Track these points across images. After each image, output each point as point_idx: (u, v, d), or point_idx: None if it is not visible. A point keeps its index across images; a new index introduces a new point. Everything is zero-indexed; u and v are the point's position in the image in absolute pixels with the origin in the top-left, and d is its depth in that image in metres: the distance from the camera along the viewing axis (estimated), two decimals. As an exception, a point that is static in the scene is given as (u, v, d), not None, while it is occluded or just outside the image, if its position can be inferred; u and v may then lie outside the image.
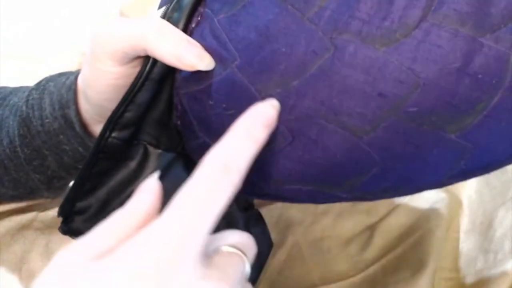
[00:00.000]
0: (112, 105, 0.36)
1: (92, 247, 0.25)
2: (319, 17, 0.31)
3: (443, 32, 0.29)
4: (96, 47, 0.34)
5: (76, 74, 0.40)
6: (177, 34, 0.33)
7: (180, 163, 0.39)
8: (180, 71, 0.35)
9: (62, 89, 0.39)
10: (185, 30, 0.35)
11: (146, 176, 0.38)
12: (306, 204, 0.53)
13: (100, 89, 0.36)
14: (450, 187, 0.54)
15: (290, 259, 0.52)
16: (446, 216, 0.53)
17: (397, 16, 0.30)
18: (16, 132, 0.40)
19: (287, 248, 0.53)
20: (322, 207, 0.54)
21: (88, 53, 0.35)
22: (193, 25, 0.35)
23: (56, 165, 0.40)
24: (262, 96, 0.33)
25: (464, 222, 0.54)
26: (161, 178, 0.38)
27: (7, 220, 0.49)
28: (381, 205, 0.54)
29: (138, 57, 0.35)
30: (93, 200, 0.38)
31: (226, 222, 0.43)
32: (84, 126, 0.39)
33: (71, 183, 0.38)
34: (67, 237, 0.40)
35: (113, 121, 0.36)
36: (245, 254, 0.28)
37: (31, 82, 0.42)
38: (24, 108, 0.39)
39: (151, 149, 0.39)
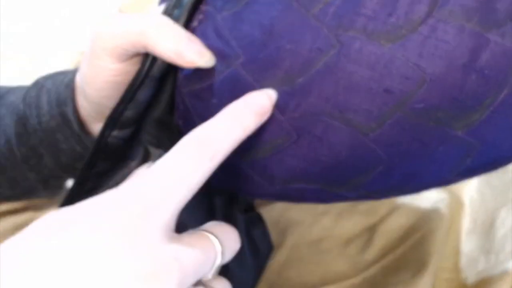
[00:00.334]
0: (110, 103, 0.36)
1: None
2: (324, 14, 0.31)
3: (449, 28, 0.29)
4: (95, 43, 0.34)
5: (74, 72, 0.40)
6: (177, 30, 0.33)
7: None
8: (182, 69, 0.35)
9: (60, 87, 0.39)
10: (186, 27, 0.34)
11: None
12: (306, 205, 0.53)
13: (99, 86, 0.35)
14: (451, 187, 0.54)
15: (290, 260, 0.52)
16: (447, 216, 0.53)
17: (402, 12, 0.30)
18: (13, 130, 0.39)
19: (287, 248, 0.52)
20: (322, 207, 0.54)
21: (87, 50, 0.35)
22: (195, 23, 0.35)
23: (53, 164, 0.40)
24: None
25: (465, 222, 0.54)
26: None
27: (3, 221, 0.49)
28: (381, 205, 0.54)
29: (138, 54, 0.35)
30: None
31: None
32: (81, 124, 0.39)
33: (71, 183, 0.38)
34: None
35: (113, 119, 0.35)
36: (221, 245, 0.28)
37: (30, 82, 0.42)
38: (21, 106, 0.39)
39: (152, 149, 0.38)
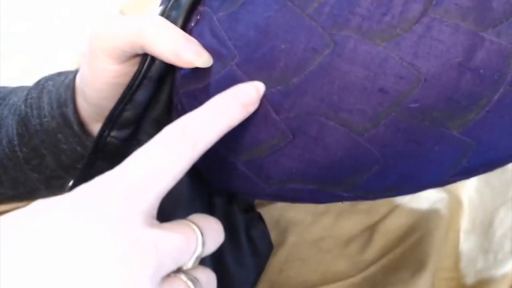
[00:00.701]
0: (110, 103, 0.36)
1: None
2: (319, 13, 0.31)
3: (444, 27, 0.29)
4: (94, 45, 0.34)
5: (74, 73, 0.40)
6: (174, 31, 0.33)
7: None
8: (180, 70, 0.35)
9: (61, 88, 0.39)
10: (184, 28, 0.35)
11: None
12: (306, 205, 0.53)
13: (98, 87, 0.36)
14: (450, 187, 0.54)
15: (290, 259, 0.52)
16: (446, 216, 0.53)
17: (397, 11, 0.30)
18: (15, 131, 0.40)
19: (287, 248, 0.52)
20: (322, 207, 0.54)
21: (86, 51, 0.35)
22: (192, 24, 0.35)
23: (55, 164, 0.40)
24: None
25: (464, 222, 0.54)
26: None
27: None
28: (381, 205, 0.54)
29: (136, 55, 0.35)
30: None
31: (226, 223, 0.43)
32: (82, 125, 0.39)
33: (71, 183, 0.38)
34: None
35: (112, 120, 0.35)
36: (203, 235, 0.28)
37: (31, 82, 0.42)
38: (23, 107, 0.39)
39: None
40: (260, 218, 0.47)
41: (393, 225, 0.53)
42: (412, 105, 0.30)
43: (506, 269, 0.50)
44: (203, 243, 0.28)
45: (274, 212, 0.53)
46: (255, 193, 0.36)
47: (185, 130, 0.29)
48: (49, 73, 0.42)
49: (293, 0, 0.31)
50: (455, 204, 0.54)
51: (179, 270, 0.28)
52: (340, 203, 0.52)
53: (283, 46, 0.31)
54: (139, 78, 0.34)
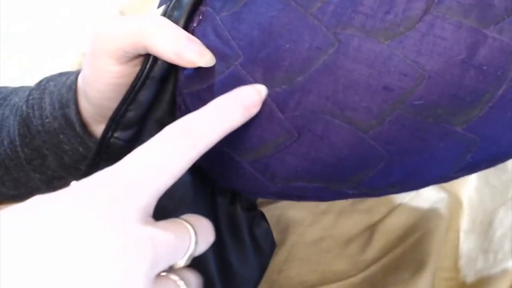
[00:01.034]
0: (112, 104, 0.36)
1: None
2: (323, 13, 0.31)
3: (447, 24, 0.29)
4: (96, 45, 0.34)
5: (76, 73, 0.40)
6: (177, 31, 0.33)
7: None
8: (183, 70, 0.35)
9: (63, 88, 0.39)
10: (186, 28, 0.35)
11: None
12: (306, 204, 0.53)
13: (101, 88, 0.36)
14: (450, 187, 0.55)
15: (290, 259, 0.52)
16: (446, 216, 0.53)
17: (400, 9, 0.30)
18: (16, 132, 0.40)
19: (287, 248, 0.52)
20: (322, 207, 0.54)
21: (88, 52, 0.35)
22: (194, 24, 0.35)
23: (56, 165, 0.40)
24: (267, 93, 0.33)
25: (464, 222, 0.54)
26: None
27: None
28: (381, 205, 0.54)
29: (139, 55, 0.35)
30: None
31: (229, 222, 0.43)
32: (84, 125, 0.39)
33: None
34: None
35: (116, 120, 0.35)
36: (196, 235, 0.29)
37: (31, 82, 0.42)
38: (24, 108, 0.39)
39: None
40: (263, 216, 0.47)
41: (393, 225, 0.53)
42: (417, 102, 0.30)
43: (506, 269, 0.50)
44: (196, 243, 0.28)
45: (274, 212, 0.53)
46: (260, 192, 0.36)
47: (186, 130, 0.29)
48: (50, 73, 0.42)
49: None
50: (455, 204, 0.54)
51: (170, 270, 0.28)
52: (340, 202, 0.53)
53: (287, 46, 0.32)
54: (142, 78, 0.35)
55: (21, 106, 0.40)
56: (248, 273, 0.45)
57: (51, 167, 0.40)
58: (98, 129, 0.39)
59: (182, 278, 0.28)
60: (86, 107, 0.38)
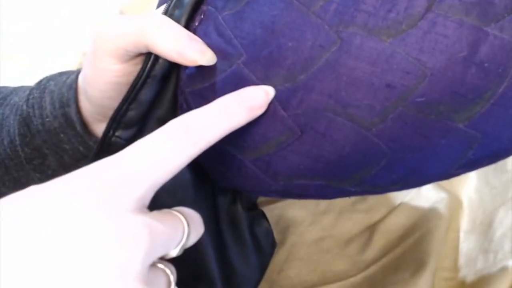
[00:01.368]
0: (113, 103, 0.36)
1: None
2: (325, 11, 0.31)
3: (448, 22, 0.30)
4: (96, 45, 0.34)
5: (77, 73, 0.40)
6: (178, 29, 0.33)
7: None
8: (185, 69, 0.35)
9: (63, 88, 0.39)
10: (187, 27, 0.35)
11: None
12: (306, 204, 0.53)
13: (101, 87, 0.36)
14: (450, 187, 0.55)
15: (290, 259, 0.52)
16: (446, 216, 0.53)
17: (402, 7, 0.30)
18: (16, 131, 0.39)
19: (287, 248, 0.52)
20: (322, 207, 0.54)
21: (89, 51, 0.35)
22: (196, 23, 0.35)
23: (57, 165, 0.40)
24: None
25: (464, 222, 0.54)
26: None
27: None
28: (381, 205, 0.54)
29: (140, 54, 0.35)
30: None
31: (230, 221, 0.43)
32: (84, 125, 0.39)
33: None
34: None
35: (117, 119, 0.35)
36: (188, 226, 0.29)
37: (31, 82, 0.42)
38: (24, 107, 0.39)
39: None
40: (263, 216, 0.47)
41: (393, 225, 0.53)
42: (419, 100, 0.31)
43: (506, 269, 0.50)
44: (188, 233, 0.29)
45: (274, 212, 0.53)
46: (262, 190, 0.36)
47: (188, 126, 0.29)
48: (50, 73, 0.42)
49: None
50: (455, 204, 0.54)
51: (159, 260, 0.28)
52: (340, 202, 0.53)
53: (290, 44, 0.32)
54: (143, 77, 0.35)
55: (21, 106, 0.40)
56: (249, 272, 0.45)
57: (51, 167, 0.40)
58: (98, 128, 0.39)
59: (171, 269, 0.28)
60: (87, 106, 0.38)
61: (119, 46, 0.34)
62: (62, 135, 0.39)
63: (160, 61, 0.35)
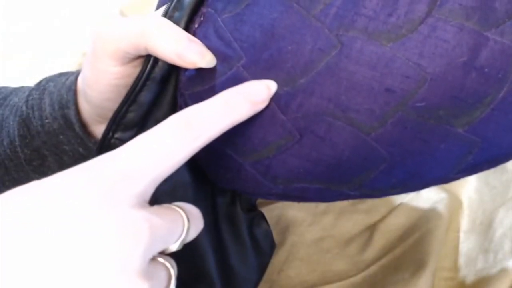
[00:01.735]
0: (112, 105, 0.36)
1: None
2: (325, 15, 0.31)
3: (449, 27, 0.30)
4: (96, 46, 0.34)
5: (76, 74, 0.40)
6: (177, 32, 0.33)
7: (183, 166, 0.39)
8: (184, 71, 0.35)
9: (62, 89, 0.39)
10: (186, 30, 0.35)
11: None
12: (306, 204, 0.53)
13: (101, 89, 0.36)
14: (450, 188, 0.55)
15: (290, 259, 0.52)
16: (446, 216, 0.53)
17: (403, 11, 0.30)
18: (16, 132, 0.39)
19: (287, 248, 0.53)
20: (322, 207, 0.54)
21: (89, 53, 0.35)
22: (196, 26, 0.35)
23: (56, 166, 0.40)
24: None
25: (464, 222, 0.54)
26: (164, 180, 0.38)
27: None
28: (381, 205, 0.54)
29: (139, 56, 0.35)
30: None
31: (229, 222, 0.43)
32: (84, 126, 0.39)
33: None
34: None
35: (116, 121, 0.35)
36: (188, 221, 0.29)
37: (31, 82, 0.42)
38: (24, 108, 0.39)
39: None
40: (262, 217, 0.47)
41: (393, 225, 0.53)
42: (419, 104, 0.30)
43: (506, 269, 0.50)
44: (188, 228, 0.29)
45: (274, 212, 0.53)
46: (261, 193, 0.36)
47: (189, 121, 0.29)
48: (50, 73, 0.42)
49: (298, 1, 0.32)
50: (455, 204, 0.54)
51: (159, 254, 0.28)
52: (340, 202, 0.53)
53: (289, 48, 0.32)
54: (143, 79, 0.35)
55: (21, 107, 0.40)
56: (248, 273, 0.45)
57: (51, 168, 0.40)
58: (98, 129, 0.39)
59: (172, 264, 0.28)
60: (86, 108, 0.38)
61: (118, 47, 0.33)
62: (61, 136, 0.39)
63: (160, 63, 0.35)
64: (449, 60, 0.30)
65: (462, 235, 0.53)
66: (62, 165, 0.40)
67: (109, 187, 0.25)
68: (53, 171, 0.39)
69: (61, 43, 0.59)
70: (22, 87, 0.43)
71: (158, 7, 0.39)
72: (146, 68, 0.34)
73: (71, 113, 0.38)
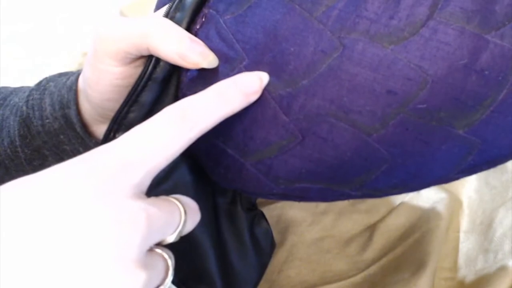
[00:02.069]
0: (113, 105, 0.36)
1: None
2: (327, 17, 0.32)
3: (450, 30, 0.30)
4: (98, 47, 0.34)
5: (76, 74, 0.40)
6: (179, 32, 0.33)
7: (184, 166, 0.39)
8: (186, 72, 0.35)
9: (63, 89, 0.39)
10: (188, 30, 0.35)
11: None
12: (306, 204, 0.53)
13: (102, 89, 0.36)
14: (450, 188, 0.55)
15: (290, 259, 0.52)
16: (446, 216, 0.53)
17: (404, 14, 0.30)
18: (16, 132, 0.39)
19: (287, 248, 0.53)
20: (322, 207, 0.54)
21: (90, 53, 0.35)
22: (197, 26, 0.35)
23: (57, 166, 0.40)
24: (272, 96, 0.33)
25: (464, 222, 0.54)
26: (165, 180, 0.38)
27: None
28: (381, 205, 0.54)
29: (141, 57, 0.35)
30: None
31: (230, 222, 0.43)
32: (84, 126, 0.39)
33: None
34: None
35: (118, 121, 0.35)
36: (185, 213, 0.29)
37: (31, 82, 0.42)
38: (24, 108, 0.39)
39: None
40: (262, 216, 0.47)
41: (393, 225, 0.53)
42: (420, 106, 0.31)
43: (506, 269, 0.50)
44: (185, 221, 0.29)
45: (274, 212, 0.53)
46: (262, 193, 0.37)
47: (184, 111, 0.29)
48: (50, 73, 0.42)
49: (300, 3, 0.32)
50: (455, 204, 0.54)
51: (157, 246, 0.28)
52: (340, 202, 0.53)
53: (292, 49, 0.32)
54: (144, 79, 0.35)
55: (21, 107, 0.39)
56: (248, 272, 0.45)
57: (52, 168, 0.40)
58: (98, 129, 0.39)
59: (169, 254, 0.28)
60: (87, 108, 0.38)
61: (120, 48, 0.33)
62: (62, 136, 0.39)
63: (161, 63, 0.35)
64: (450, 62, 0.30)
65: (462, 235, 0.53)
66: (63, 165, 0.40)
67: (106, 178, 0.25)
68: (53, 171, 0.39)
69: (61, 43, 0.59)
70: (22, 87, 0.43)
71: (157, 7, 0.39)
72: (147, 69, 0.34)
73: (72, 113, 0.38)
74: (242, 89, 0.32)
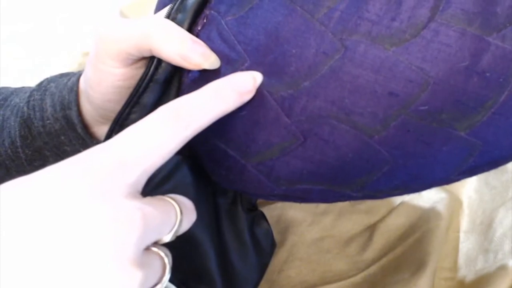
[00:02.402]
0: (114, 106, 0.36)
1: None
2: (329, 18, 0.32)
3: (451, 32, 0.30)
4: (99, 48, 0.34)
5: (78, 75, 0.40)
6: (181, 33, 0.33)
7: (185, 166, 0.39)
8: (188, 73, 0.35)
9: (64, 90, 0.39)
10: (190, 31, 0.35)
11: (151, 179, 0.38)
12: (306, 204, 0.53)
13: (103, 90, 0.36)
14: (450, 187, 0.55)
15: (290, 259, 0.52)
16: (446, 216, 0.53)
17: (406, 16, 0.30)
18: (17, 133, 0.39)
19: (287, 248, 0.53)
20: (322, 207, 0.54)
21: (91, 54, 0.35)
22: (199, 28, 0.35)
23: (58, 167, 0.40)
24: (273, 98, 0.33)
25: (464, 222, 0.54)
26: (166, 180, 0.38)
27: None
28: (381, 205, 0.54)
29: (142, 58, 0.35)
30: None
31: (230, 222, 0.43)
32: (85, 127, 0.39)
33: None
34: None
35: (119, 122, 0.35)
36: (181, 213, 0.29)
37: (31, 82, 0.42)
38: (25, 109, 0.39)
39: None
40: (263, 216, 0.47)
41: (393, 225, 0.53)
42: (421, 108, 0.31)
43: (506, 269, 0.50)
44: (181, 220, 0.29)
45: (274, 212, 0.53)
46: (264, 194, 0.37)
47: (179, 110, 0.29)
48: (50, 73, 0.42)
49: (302, 5, 0.32)
50: (455, 204, 0.54)
51: (154, 245, 0.28)
52: (340, 202, 0.53)
53: (293, 51, 0.32)
54: (146, 81, 0.35)
55: (22, 107, 0.39)
56: (249, 272, 0.45)
57: (52, 169, 0.40)
58: (100, 130, 0.39)
59: (166, 253, 0.28)
60: (88, 109, 0.38)
61: (122, 49, 0.33)
62: (63, 137, 0.39)
63: (163, 65, 0.35)
64: (452, 64, 0.30)
65: (462, 235, 0.54)
66: (64, 166, 0.40)
67: (102, 178, 0.25)
68: (54, 172, 0.39)
69: (61, 43, 0.59)
70: (23, 87, 0.43)
71: (157, 8, 0.39)
72: (149, 70, 0.35)
73: (73, 114, 0.38)
74: (236, 88, 0.32)
